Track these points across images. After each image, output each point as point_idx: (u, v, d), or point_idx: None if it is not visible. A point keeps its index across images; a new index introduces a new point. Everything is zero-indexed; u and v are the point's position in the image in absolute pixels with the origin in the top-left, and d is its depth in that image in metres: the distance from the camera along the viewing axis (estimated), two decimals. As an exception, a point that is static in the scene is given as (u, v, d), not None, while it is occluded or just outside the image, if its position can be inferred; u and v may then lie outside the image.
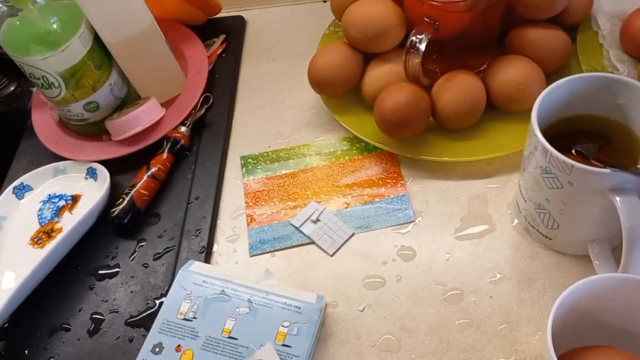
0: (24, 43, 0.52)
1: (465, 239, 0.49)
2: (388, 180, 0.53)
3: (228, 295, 0.45)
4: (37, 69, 0.53)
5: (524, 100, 0.50)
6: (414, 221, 0.50)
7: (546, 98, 0.42)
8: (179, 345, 0.43)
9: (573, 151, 0.44)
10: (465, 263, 0.47)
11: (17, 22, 0.52)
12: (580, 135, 0.45)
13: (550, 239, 0.46)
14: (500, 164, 0.52)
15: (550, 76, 0.50)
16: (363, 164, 0.55)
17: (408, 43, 0.50)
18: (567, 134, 0.44)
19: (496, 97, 0.52)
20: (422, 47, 0.49)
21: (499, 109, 0.53)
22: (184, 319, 0.44)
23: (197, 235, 0.52)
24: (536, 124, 0.41)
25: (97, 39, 0.56)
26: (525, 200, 0.46)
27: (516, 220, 0.49)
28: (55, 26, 0.53)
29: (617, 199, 0.37)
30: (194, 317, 0.44)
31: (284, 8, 0.71)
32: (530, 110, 0.41)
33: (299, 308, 0.44)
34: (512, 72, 0.52)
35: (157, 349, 0.43)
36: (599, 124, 0.44)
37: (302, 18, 0.69)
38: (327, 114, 0.58)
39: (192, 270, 0.47)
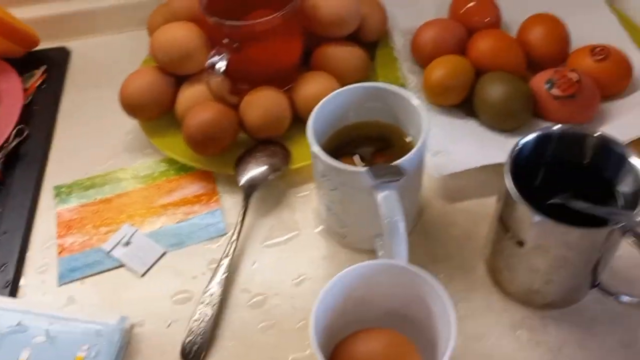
0: None
1: (273, 246, 0.51)
2: (202, 197, 0.54)
3: (25, 326, 0.44)
4: None
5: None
6: (225, 234, 0.52)
7: (320, 111, 0.45)
8: (-32, 383, 0.42)
9: (354, 156, 0.47)
10: (271, 269, 0.49)
11: None
12: (364, 141, 0.49)
13: (345, 237, 0.49)
14: (308, 173, 0.55)
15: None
16: (180, 183, 0.56)
17: (207, 63, 0.52)
18: (347, 142, 0.48)
19: (301, 111, 0.56)
20: (221, 66, 0.52)
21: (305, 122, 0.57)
22: (-25, 355, 0.43)
23: (1, 271, 0.50)
24: (311, 133, 0.44)
25: None
26: (321, 205, 0.49)
27: (320, 226, 0.52)
28: None
29: (377, 195, 0.41)
30: (-13, 352, 0.43)
31: (108, 37, 0.72)
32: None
33: (100, 331, 0.44)
34: (312, 87, 0.55)
35: (-57, 390, 0.41)
36: (377, 129, 0.49)
37: (125, 45, 0.70)
38: (145, 139, 0.59)
39: (-12, 304, 0.45)
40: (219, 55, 0.52)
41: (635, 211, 0.36)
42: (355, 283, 0.40)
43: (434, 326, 0.39)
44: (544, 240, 0.38)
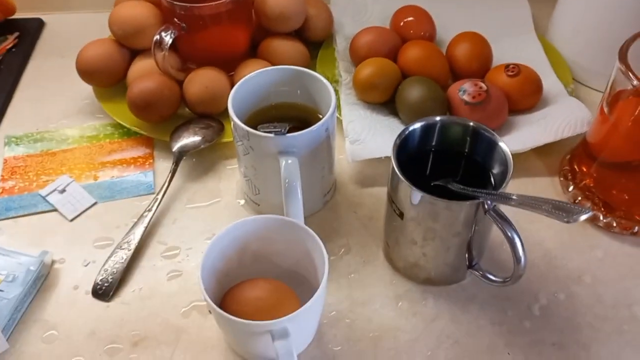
0: None
1: (194, 208, 0.55)
2: (139, 160, 0.59)
3: (-48, 248, 0.48)
4: None
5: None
6: (153, 193, 0.56)
7: (241, 86, 0.50)
8: None
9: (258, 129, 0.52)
10: (189, 227, 0.54)
11: None
12: (283, 120, 0.54)
13: (259, 205, 0.54)
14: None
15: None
16: (120, 146, 0.61)
17: (154, 38, 0.57)
18: (270, 119, 0.53)
19: (240, 93, 0.61)
20: (167, 41, 0.57)
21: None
22: None
23: (-57, 202, 0.55)
24: (230, 103, 0.49)
25: None
26: (240, 173, 0.54)
27: (239, 195, 0.56)
28: None
29: (280, 160, 0.46)
30: None
31: (82, 14, 0.78)
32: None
33: (20, 260, 0.48)
34: (250, 70, 0.60)
35: None
36: (297, 110, 0.54)
37: (97, 24, 0.74)
38: (98, 104, 0.64)
39: None
40: (166, 32, 0.58)
41: (498, 190, 0.41)
42: (249, 235, 0.45)
43: (317, 280, 0.43)
44: (417, 212, 0.43)
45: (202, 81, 0.59)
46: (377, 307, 0.48)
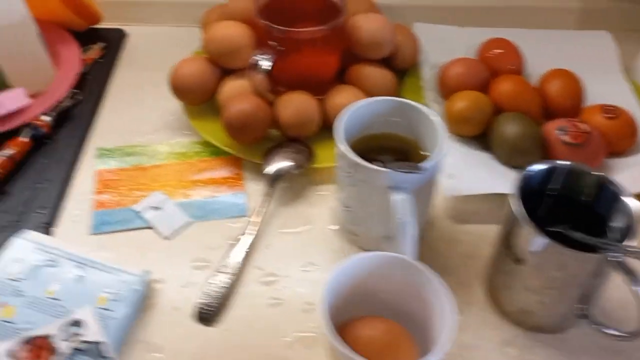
0: None
1: (287, 234, 0.55)
2: (229, 180, 0.59)
3: (57, 262, 0.48)
4: None
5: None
6: (246, 216, 0.56)
7: (350, 114, 0.50)
8: (1, 302, 0.46)
9: (374, 162, 0.52)
10: (283, 254, 0.54)
11: None
12: (384, 150, 0.54)
13: (356, 235, 0.53)
14: (329, 174, 0.60)
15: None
16: (211, 165, 0.61)
17: (251, 59, 0.58)
18: (372, 149, 0.53)
19: (329, 118, 0.60)
20: (264, 64, 0.57)
21: (331, 129, 0.62)
22: (11, 280, 0.47)
23: (40, 212, 0.55)
24: (340, 130, 0.49)
25: (-31, 24, 0.59)
26: (339, 202, 0.54)
27: (334, 225, 0.56)
28: None
29: (393, 195, 0.46)
30: (21, 279, 0.47)
31: (164, 28, 0.78)
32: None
33: (124, 278, 0.48)
34: (343, 98, 0.60)
35: (-23, 304, 0.45)
36: (397, 141, 0.54)
37: (179, 38, 0.75)
38: (186, 121, 0.64)
39: (26, 238, 0.50)
40: (264, 55, 0.58)
41: (624, 242, 0.41)
42: (363, 271, 0.44)
43: (432, 325, 0.42)
44: (541, 260, 0.43)
45: (295, 105, 0.59)
46: (484, 353, 0.47)
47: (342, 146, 0.48)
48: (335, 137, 0.49)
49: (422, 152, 0.52)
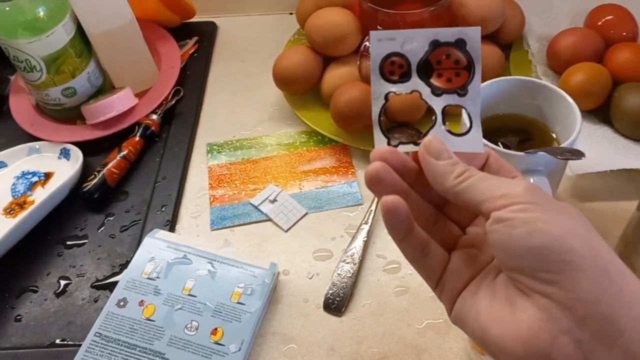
0: (12, 27, 0.57)
1: (405, 220, 0.54)
2: (340, 169, 0.59)
3: (189, 259, 0.50)
4: (22, 52, 0.58)
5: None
6: (361, 204, 0.56)
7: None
8: (142, 301, 0.47)
9: (498, 143, 0.50)
10: (404, 240, 0.53)
11: (7, 8, 0.57)
12: (505, 131, 0.52)
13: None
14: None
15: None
16: (319, 154, 0.61)
17: (362, 47, 0.56)
18: (493, 130, 0.51)
19: (438, 100, 0.59)
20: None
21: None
22: (148, 278, 0.48)
23: (162, 211, 0.56)
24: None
25: (79, 29, 0.61)
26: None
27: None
28: (42, 14, 0.57)
29: (530, 179, 0.44)
30: (157, 277, 0.48)
31: (254, 17, 0.78)
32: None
33: (254, 272, 0.49)
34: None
35: (121, 303, 0.47)
36: (521, 122, 0.51)
37: (270, 26, 0.75)
38: (289, 110, 0.64)
39: (157, 237, 0.51)
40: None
41: None
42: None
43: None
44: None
45: (404, 89, 0.58)
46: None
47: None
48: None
49: (552, 134, 0.50)
